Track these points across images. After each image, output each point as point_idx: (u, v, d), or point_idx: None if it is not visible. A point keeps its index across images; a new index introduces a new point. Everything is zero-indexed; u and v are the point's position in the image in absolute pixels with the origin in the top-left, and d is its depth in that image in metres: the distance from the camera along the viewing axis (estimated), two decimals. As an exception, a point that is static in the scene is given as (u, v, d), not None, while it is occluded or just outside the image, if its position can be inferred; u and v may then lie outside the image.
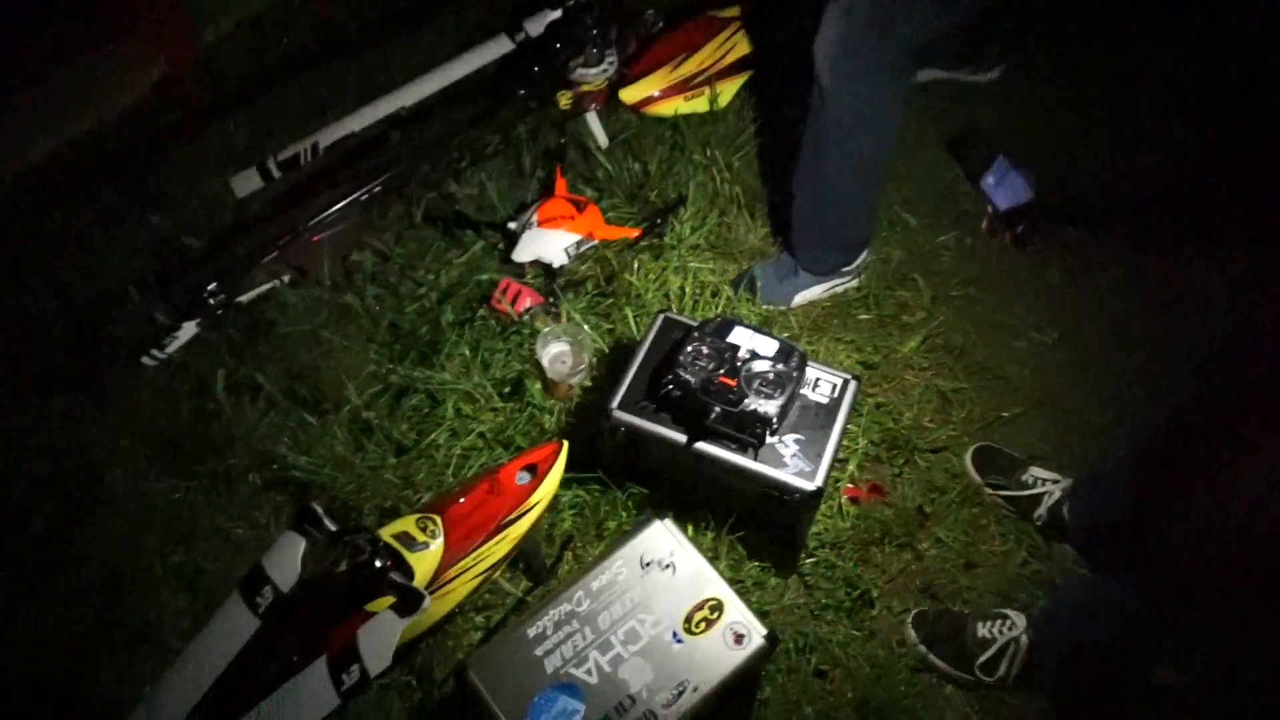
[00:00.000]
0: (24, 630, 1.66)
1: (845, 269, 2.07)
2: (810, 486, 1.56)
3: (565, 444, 1.64)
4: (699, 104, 2.39)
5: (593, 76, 2.24)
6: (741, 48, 2.46)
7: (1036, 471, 1.81)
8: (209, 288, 1.91)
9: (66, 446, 1.83)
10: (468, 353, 1.95)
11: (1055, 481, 1.79)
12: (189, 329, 1.91)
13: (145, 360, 1.88)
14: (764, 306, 2.06)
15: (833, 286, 2.09)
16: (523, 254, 2.06)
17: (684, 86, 2.38)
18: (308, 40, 2.47)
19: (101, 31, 2.36)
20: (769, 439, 1.57)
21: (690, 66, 2.39)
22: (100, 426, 1.85)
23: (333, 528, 1.36)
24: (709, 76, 2.40)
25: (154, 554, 1.72)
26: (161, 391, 1.89)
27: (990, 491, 1.83)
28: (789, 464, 1.58)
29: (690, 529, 1.63)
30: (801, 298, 2.08)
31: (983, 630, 1.63)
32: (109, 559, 1.73)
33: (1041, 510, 1.78)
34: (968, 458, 1.87)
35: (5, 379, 1.89)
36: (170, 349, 1.89)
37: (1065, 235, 2.20)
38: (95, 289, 2.02)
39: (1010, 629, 1.62)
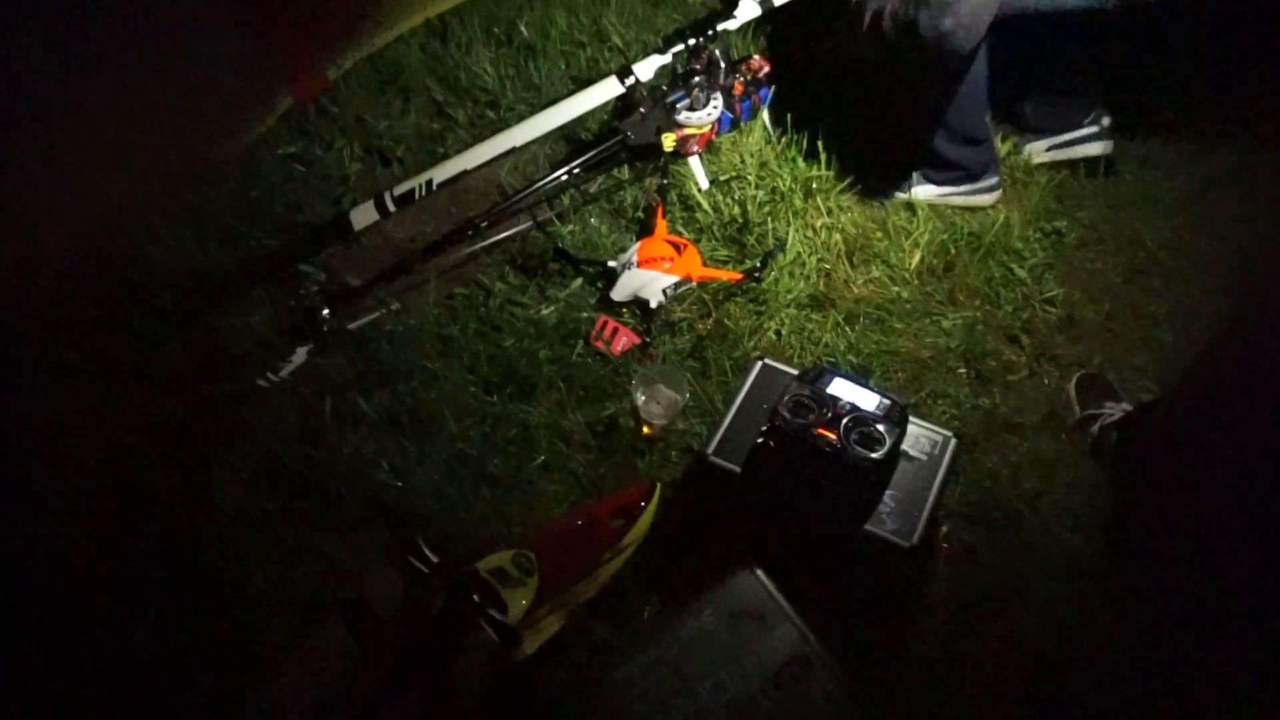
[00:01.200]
0: (129, 630, 1.73)
1: (971, 178, 2.24)
2: (906, 544, 1.53)
3: (658, 485, 1.65)
4: None
5: (697, 120, 2.27)
6: None
7: (1125, 405, 1.88)
8: (322, 314, 1.99)
9: (184, 460, 1.92)
10: (563, 388, 1.98)
11: (1124, 408, 1.87)
12: (301, 355, 1.99)
13: (260, 383, 1.97)
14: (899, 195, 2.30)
15: (956, 193, 2.28)
16: (621, 293, 2.09)
17: None
18: (424, 78, 2.56)
19: (238, 64, 2.49)
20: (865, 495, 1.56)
21: None
22: (214, 444, 1.94)
23: (433, 558, 1.40)
24: None
25: (256, 568, 1.79)
26: (272, 413, 1.97)
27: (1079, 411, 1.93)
28: (885, 520, 1.55)
29: (782, 579, 1.61)
30: (922, 190, 2.29)
31: None
32: (214, 569, 1.80)
33: (1095, 427, 1.86)
34: (1072, 385, 1.97)
35: (130, 386, 2.00)
36: (283, 373, 1.97)
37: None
38: (216, 309, 2.13)
39: None
